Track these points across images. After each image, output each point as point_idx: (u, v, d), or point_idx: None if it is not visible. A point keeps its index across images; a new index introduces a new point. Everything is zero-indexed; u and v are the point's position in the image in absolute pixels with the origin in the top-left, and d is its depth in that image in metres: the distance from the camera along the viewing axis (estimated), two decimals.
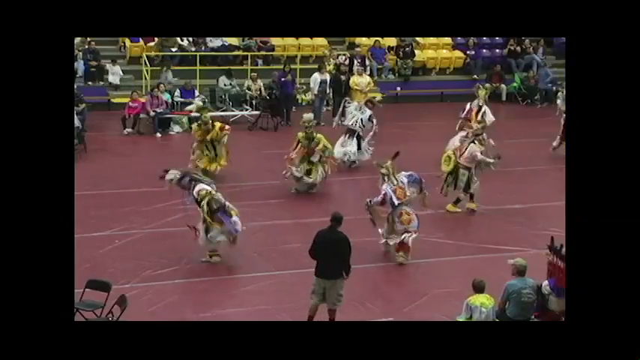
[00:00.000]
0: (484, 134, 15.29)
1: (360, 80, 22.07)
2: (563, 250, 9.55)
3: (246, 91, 22.36)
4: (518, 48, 27.08)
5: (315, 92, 22.36)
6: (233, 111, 22.13)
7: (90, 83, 23.01)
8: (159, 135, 20.57)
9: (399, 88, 25.28)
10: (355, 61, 23.94)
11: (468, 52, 26.90)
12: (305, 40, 25.45)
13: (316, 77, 22.32)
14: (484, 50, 27.30)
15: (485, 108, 17.62)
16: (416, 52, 26.18)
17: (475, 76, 26.01)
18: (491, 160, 14.75)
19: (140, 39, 24.02)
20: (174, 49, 23.81)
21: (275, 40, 24.98)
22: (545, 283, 9.84)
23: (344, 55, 24.33)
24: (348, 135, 17.76)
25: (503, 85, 26.09)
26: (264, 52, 24.86)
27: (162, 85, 21.35)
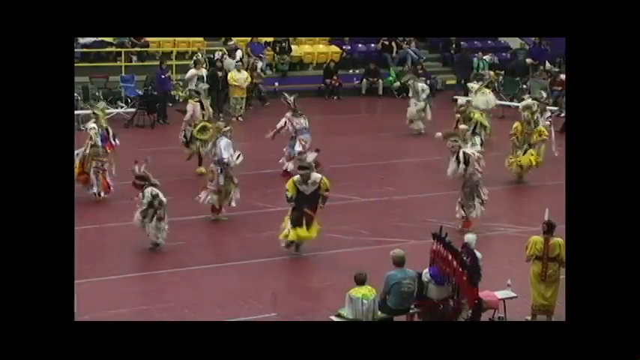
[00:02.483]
0: None
1: (239, 76, 21.96)
2: (448, 238, 9.76)
3: None
4: (393, 43, 27.47)
5: (192, 88, 22.06)
6: (108, 108, 21.59)
7: None
8: None
9: (276, 84, 25.27)
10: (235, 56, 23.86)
11: (344, 47, 27.16)
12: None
13: (193, 73, 22.05)
14: (360, 45, 27.63)
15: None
16: (292, 47, 26.24)
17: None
18: None
19: None
20: None
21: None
22: (426, 271, 9.93)
23: (220, 50, 24.17)
24: None
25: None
26: (138, 49, 24.38)
27: None
